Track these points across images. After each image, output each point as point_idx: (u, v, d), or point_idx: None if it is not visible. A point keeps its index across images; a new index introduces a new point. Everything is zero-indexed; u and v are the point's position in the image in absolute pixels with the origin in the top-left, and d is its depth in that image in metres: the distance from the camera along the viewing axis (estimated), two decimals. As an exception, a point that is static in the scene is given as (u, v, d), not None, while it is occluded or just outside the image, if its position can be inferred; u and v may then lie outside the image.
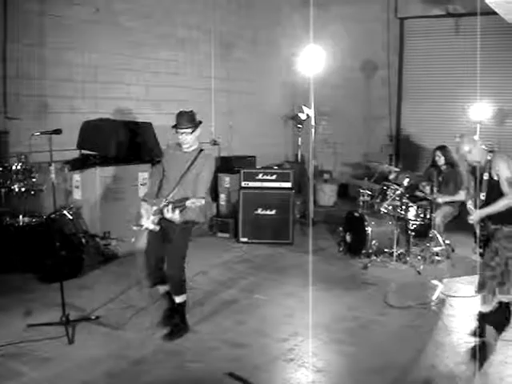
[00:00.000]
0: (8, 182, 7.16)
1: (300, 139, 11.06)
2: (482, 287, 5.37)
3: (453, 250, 8.43)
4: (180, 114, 5.44)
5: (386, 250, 8.16)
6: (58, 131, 5.58)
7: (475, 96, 10.44)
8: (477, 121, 10.46)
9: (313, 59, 9.74)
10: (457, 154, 5.48)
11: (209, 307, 6.34)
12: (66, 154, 8.16)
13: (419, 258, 8.12)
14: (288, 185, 9.18)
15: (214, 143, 11.03)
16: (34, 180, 7.32)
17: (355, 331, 5.74)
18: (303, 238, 9.45)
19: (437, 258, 8.07)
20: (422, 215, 8.05)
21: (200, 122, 5.54)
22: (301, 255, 8.44)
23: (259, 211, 9.07)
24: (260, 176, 9.18)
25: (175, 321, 5.64)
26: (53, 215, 6.95)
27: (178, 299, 5.58)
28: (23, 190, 7.19)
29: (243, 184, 9.16)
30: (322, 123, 13.16)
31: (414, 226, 8.08)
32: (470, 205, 5.53)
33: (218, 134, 11.10)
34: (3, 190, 7.18)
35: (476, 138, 5.42)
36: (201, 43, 10.77)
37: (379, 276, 7.56)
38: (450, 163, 8.49)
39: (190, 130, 5.40)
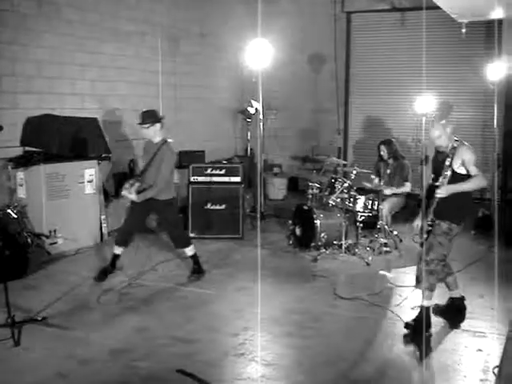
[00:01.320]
0: None
1: (249, 133, 11.05)
2: (417, 281, 5.43)
3: (401, 241, 8.55)
4: (142, 113, 6.73)
5: (335, 242, 8.23)
6: (-2, 128, 5.43)
7: (421, 89, 10.60)
8: (422, 113, 10.62)
9: (260, 53, 9.71)
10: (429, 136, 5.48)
11: (158, 304, 6.28)
12: (9, 152, 7.96)
13: (368, 249, 8.24)
14: (237, 179, 9.14)
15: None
16: (-25, 178, 7.13)
17: (305, 324, 5.77)
18: (253, 232, 9.45)
19: (385, 248, 8.19)
20: (369, 207, 8.15)
21: (161, 118, 6.78)
22: (251, 249, 8.45)
23: (209, 206, 9.02)
24: (209, 171, 9.13)
25: (194, 266, 7.18)
26: (-4, 214, 6.79)
27: (189, 252, 7.12)
28: (-36, 188, 6.99)
29: (192, 179, 9.10)
30: (271, 117, 13.19)
31: (362, 217, 8.19)
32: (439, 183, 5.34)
33: (166, 129, 11.00)
34: None
35: (445, 122, 5.43)
36: (147, 37, 10.63)
37: (329, 268, 7.62)
38: (395, 156, 8.63)
39: (146, 126, 6.67)
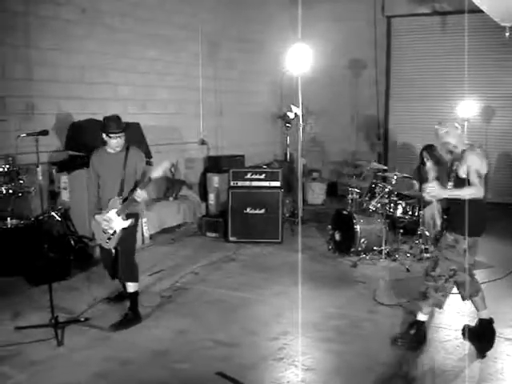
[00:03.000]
0: (-5, 185, 7.11)
1: (288, 138, 11.06)
2: (425, 297, 5.17)
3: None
4: (111, 120, 5.64)
5: (375, 247, 8.17)
6: (44, 132, 5.55)
7: (463, 94, 10.48)
8: (464, 118, 10.50)
9: (300, 58, 9.72)
10: (436, 139, 5.23)
11: (198, 307, 6.33)
12: (53, 156, 8.14)
13: (408, 255, 8.15)
14: (277, 184, 9.16)
15: (203, 143, 11.04)
16: (21, 182, 7.26)
17: (345, 329, 5.74)
18: (292, 237, 9.44)
19: (426, 255, 8.08)
20: (410, 212, 8.08)
21: (127, 125, 5.79)
22: (290, 254, 8.44)
23: (248, 210, 9.05)
24: (249, 175, 9.16)
25: (127, 311, 5.86)
26: (41, 217, 6.92)
27: (130, 288, 5.87)
28: (10, 191, 7.13)
29: (232, 183, 9.15)
30: (310, 122, 13.18)
31: (403, 223, 8.11)
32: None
33: (206, 134, 11.11)
34: (-10, 193, 7.13)
35: (456, 124, 5.13)
36: (188, 42, 10.75)
37: (368, 274, 7.56)
38: (438, 162, 8.52)
39: (122, 134, 5.64)
